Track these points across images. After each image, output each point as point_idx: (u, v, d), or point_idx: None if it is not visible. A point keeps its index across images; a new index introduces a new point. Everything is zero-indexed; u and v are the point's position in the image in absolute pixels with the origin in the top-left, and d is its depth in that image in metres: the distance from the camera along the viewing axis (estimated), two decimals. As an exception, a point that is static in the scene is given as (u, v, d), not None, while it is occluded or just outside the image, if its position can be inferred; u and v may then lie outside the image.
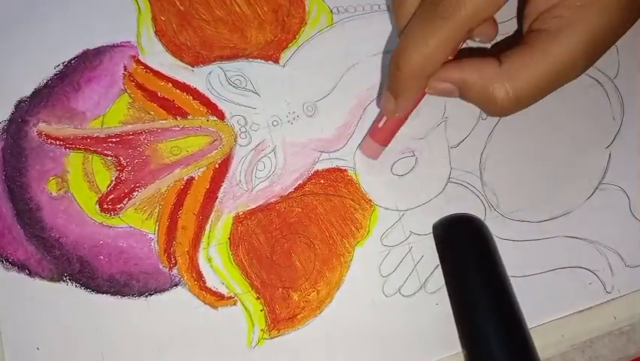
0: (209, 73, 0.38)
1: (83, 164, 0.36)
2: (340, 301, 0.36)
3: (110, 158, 0.37)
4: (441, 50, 0.31)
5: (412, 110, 0.35)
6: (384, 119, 0.35)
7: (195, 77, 0.38)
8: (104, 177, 0.36)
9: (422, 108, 0.38)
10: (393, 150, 0.37)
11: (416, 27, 0.31)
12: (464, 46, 0.35)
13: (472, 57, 0.33)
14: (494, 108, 0.32)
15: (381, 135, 0.36)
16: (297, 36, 0.38)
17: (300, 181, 0.37)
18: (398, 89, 0.33)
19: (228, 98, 0.38)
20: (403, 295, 0.36)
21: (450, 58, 0.33)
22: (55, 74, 0.37)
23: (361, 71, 0.38)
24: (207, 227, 0.36)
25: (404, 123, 0.36)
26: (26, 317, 0.35)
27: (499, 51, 0.32)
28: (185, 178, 0.37)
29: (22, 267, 0.35)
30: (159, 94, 0.37)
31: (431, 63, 0.32)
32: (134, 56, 0.37)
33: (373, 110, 0.38)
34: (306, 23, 0.38)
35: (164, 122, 0.37)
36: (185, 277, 0.35)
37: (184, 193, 0.36)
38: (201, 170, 0.37)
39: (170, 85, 0.37)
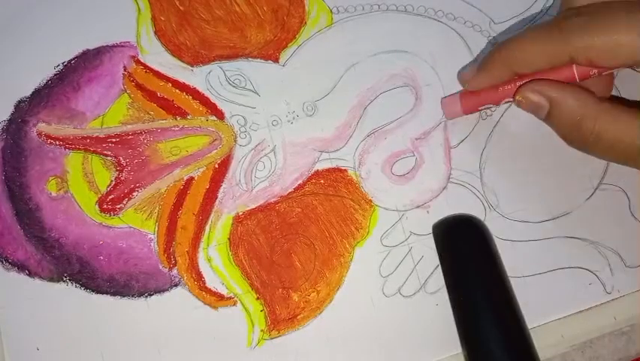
0: (209, 73, 0.38)
1: (83, 164, 0.36)
2: (340, 301, 0.36)
3: (109, 158, 0.37)
4: (537, 55, 0.32)
5: (501, 100, 0.35)
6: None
7: (195, 77, 0.38)
8: (104, 177, 0.36)
9: (422, 109, 0.38)
10: (393, 150, 0.37)
11: (540, 25, 0.32)
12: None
13: (566, 83, 0.33)
14: (574, 138, 0.32)
15: (469, 102, 0.36)
16: (296, 36, 0.38)
17: (300, 181, 0.37)
18: (484, 62, 0.34)
19: (228, 97, 0.38)
20: (403, 296, 0.36)
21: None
22: (55, 74, 0.37)
23: (361, 70, 0.38)
24: (207, 227, 0.36)
25: (488, 103, 0.35)
26: (26, 316, 0.35)
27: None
28: (185, 178, 0.37)
29: (22, 267, 0.35)
30: (159, 94, 0.37)
31: (521, 59, 0.32)
32: (133, 56, 0.37)
33: (373, 110, 0.38)
34: (305, 23, 0.38)
35: (163, 122, 0.37)
36: (185, 278, 0.35)
37: (184, 193, 0.36)
38: (201, 170, 0.37)
39: (170, 85, 0.37)
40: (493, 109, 0.37)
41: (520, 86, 0.33)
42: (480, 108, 0.36)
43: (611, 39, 0.29)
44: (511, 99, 0.34)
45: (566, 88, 0.32)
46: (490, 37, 0.39)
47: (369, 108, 0.38)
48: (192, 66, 0.38)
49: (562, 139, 0.33)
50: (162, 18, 0.38)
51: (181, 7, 0.38)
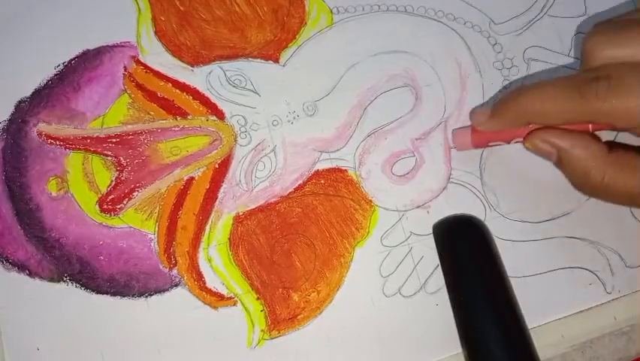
0: (209, 73, 0.38)
1: (83, 164, 0.36)
2: (340, 301, 0.36)
3: (110, 158, 0.37)
4: (556, 114, 0.31)
5: (512, 139, 0.34)
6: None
7: (195, 77, 0.38)
8: (104, 177, 0.36)
9: (422, 109, 0.38)
10: (393, 150, 0.37)
11: (559, 82, 0.32)
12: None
13: (577, 131, 0.33)
14: (584, 186, 0.33)
15: (480, 137, 0.35)
16: (297, 36, 0.38)
17: (300, 181, 0.37)
18: (498, 108, 0.34)
19: (228, 98, 0.38)
20: (403, 296, 0.36)
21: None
22: (55, 74, 0.37)
23: (361, 70, 0.38)
24: (207, 227, 0.36)
25: (499, 141, 0.35)
26: (26, 317, 0.35)
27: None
28: (185, 178, 0.37)
29: (22, 267, 0.35)
30: (159, 94, 0.37)
31: (537, 115, 0.32)
32: (134, 56, 0.37)
33: (373, 111, 0.38)
34: (306, 23, 0.38)
35: (164, 122, 0.37)
36: (185, 278, 0.35)
37: (184, 193, 0.36)
38: (201, 170, 0.37)
39: (170, 85, 0.37)
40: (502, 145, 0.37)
41: (530, 132, 0.33)
42: (490, 144, 0.35)
43: (633, 104, 0.29)
44: (522, 140, 0.34)
45: (576, 139, 0.32)
46: (490, 38, 0.39)
47: (370, 108, 0.38)
48: (192, 66, 0.38)
49: (571, 185, 0.33)
50: (162, 18, 0.38)
51: (181, 8, 0.38)
